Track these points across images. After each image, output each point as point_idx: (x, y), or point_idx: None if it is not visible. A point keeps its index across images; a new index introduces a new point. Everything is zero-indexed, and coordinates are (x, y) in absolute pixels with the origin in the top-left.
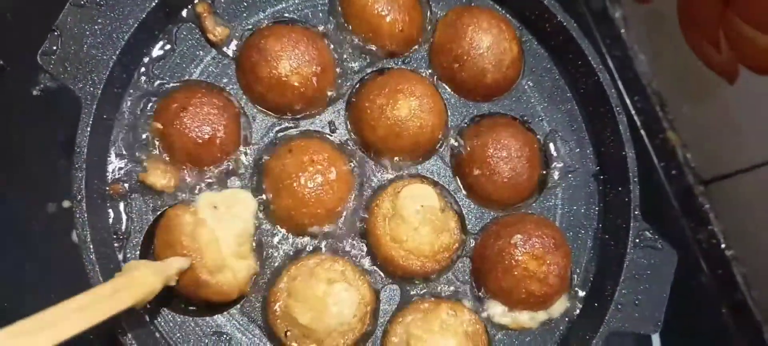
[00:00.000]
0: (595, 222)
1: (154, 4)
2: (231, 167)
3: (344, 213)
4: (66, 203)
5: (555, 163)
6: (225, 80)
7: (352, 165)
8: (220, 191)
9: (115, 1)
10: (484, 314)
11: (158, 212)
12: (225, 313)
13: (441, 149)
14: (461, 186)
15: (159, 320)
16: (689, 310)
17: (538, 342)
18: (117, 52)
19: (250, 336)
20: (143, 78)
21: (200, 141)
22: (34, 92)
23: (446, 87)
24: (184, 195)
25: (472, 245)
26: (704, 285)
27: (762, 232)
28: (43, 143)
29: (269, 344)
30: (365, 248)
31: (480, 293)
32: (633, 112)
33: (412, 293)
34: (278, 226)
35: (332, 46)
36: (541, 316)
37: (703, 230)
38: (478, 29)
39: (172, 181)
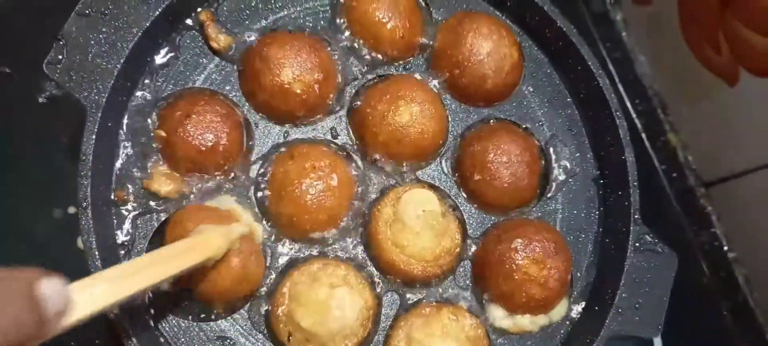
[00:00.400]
0: (596, 226)
1: (157, 12)
2: (234, 174)
3: (346, 219)
4: (71, 209)
5: (555, 167)
6: (228, 88)
7: (354, 171)
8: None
9: (119, 10)
10: (485, 318)
11: (162, 218)
12: (229, 318)
13: (442, 154)
14: (462, 191)
15: (163, 324)
16: (691, 312)
17: None
18: (121, 61)
19: (254, 341)
20: (147, 86)
21: (203, 148)
22: (40, 99)
23: (447, 93)
24: (187, 202)
25: (473, 249)
26: (706, 287)
27: (764, 234)
28: (49, 150)
29: None
30: (367, 253)
31: (481, 298)
32: (634, 114)
33: (413, 297)
34: (280, 232)
35: (334, 53)
36: (542, 320)
37: (704, 232)
38: (479, 35)
39: (175, 188)
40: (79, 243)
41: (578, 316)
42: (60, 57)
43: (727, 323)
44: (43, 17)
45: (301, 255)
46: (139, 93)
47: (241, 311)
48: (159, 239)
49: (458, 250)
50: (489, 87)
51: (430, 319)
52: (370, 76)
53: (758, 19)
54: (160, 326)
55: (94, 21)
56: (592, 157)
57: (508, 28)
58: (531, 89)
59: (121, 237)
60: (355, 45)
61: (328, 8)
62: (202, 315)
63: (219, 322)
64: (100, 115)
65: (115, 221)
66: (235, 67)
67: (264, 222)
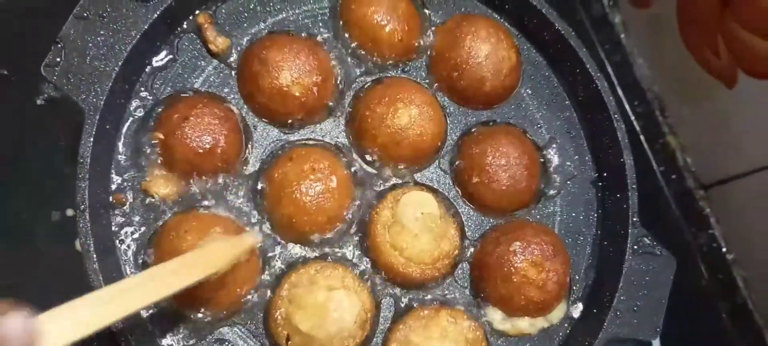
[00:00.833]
0: (594, 229)
1: (156, 15)
2: (232, 177)
3: (345, 221)
4: (70, 212)
5: (554, 170)
6: (226, 90)
7: (353, 173)
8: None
9: (118, 13)
10: (484, 321)
11: (160, 221)
12: (227, 321)
13: (441, 157)
14: (460, 193)
15: (161, 328)
16: (690, 314)
17: None
18: (119, 64)
19: (252, 345)
20: (145, 88)
21: (201, 151)
22: (38, 102)
23: (445, 95)
24: (185, 204)
25: (472, 252)
26: (705, 289)
27: (762, 236)
28: (47, 152)
29: None
30: (365, 256)
31: (479, 300)
32: (632, 117)
33: (411, 300)
34: (279, 234)
35: (332, 55)
36: (541, 322)
37: (703, 233)
38: (477, 38)
39: (173, 190)
40: (77, 245)
41: (576, 319)
42: (58, 59)
43: (725, 325)
44: (41, 19)
45: (300, 257)
46: (137, 96)
47: (240, 314)
48: (156, 241)
49: (457, 252)
50: (487, 89)
51: (429, 322)
52: (368, 79)
53: (757, 21)
54: (157, 330)
55: (92, 24)
56: (590, 159)
57: (507, 31)
58: (529, 92)
59: (119, 240)
60: (354, 48)
61: (326, 11)
62: (201, 319)
63: (217, 323)
64: (98, 117)
65: (113, 223)
66: (234, 69)
67: (264, 224)
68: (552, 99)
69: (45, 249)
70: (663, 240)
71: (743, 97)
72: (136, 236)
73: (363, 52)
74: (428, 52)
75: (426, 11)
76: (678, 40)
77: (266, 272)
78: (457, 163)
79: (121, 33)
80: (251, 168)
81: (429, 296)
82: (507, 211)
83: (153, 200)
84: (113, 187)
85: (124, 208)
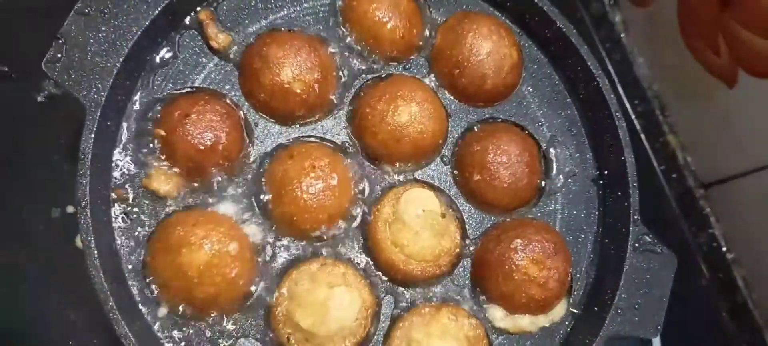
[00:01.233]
0: (595, 227)
1: (157, 12)
2: (233, 173)
3: (345, 218)
4: (70, 209)
5: (555, 168)
6: (227, 87)
7: (354, 170)
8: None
9: (119, 9)
10: (485, 319)
11: (161, 217)
12: (228, 319)
13: (442, 154)
14: (461, 191)
15: (163, 327)
16: (690, 313)
17: None
18: (121, 60)
19: (253, 342)
20: (146, 85)
21: (203, 147)
22: (39, 99)
23: (447, 93)
24: (186, 201)
25: (473, 249)
26: (705, 288)
27: (762, 235)
28: (48, 149)
29: None
30: (366, 253)
31: (480, 298)
32: (633, 115)
33: (412, 297)
34: (280, 231)
35: (333, 52)
36: (542, 320)
37: (703, 233)
38: (478, 35)
39: (174, 187)
40: (78, 242)
41: (578, 316)
42: (59, 56)
43: (725, 324)
44: (42, 16)
45: (301, 254)
46: (138, 92)
47: (241, 312)
48: (158, 237)
49: (458, 250)
50: (489, 87)
51: (430, 319)
52: (369, 76)
53: (757, 20)
54: (158, 329)
55: (93, 20)
56: (591, 157)
57: (508, 29)
58: (531, 89)
59: (119, 236)
60: (355, 45)
61: (328, 8)
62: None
63: (218, 321)
64: (99, 114)
65: (114, 219)
66: (235, 66)
67: (265, 221)
68: (553, 97)
69: (45, 246)
70: (663, 239)
71: (743, 97)
72: (136, 232)
73: (364, 49)
74: (429, 50)
75: (427, 8)
76: (678, 40)
77: (267, 270)
78: (458, 160)
79: (122, 29)
80: (252, 165)
81: (430, 294)
82: (508, 208)
83: (154, 196)
84: (114, 183)
85: (125, 204)
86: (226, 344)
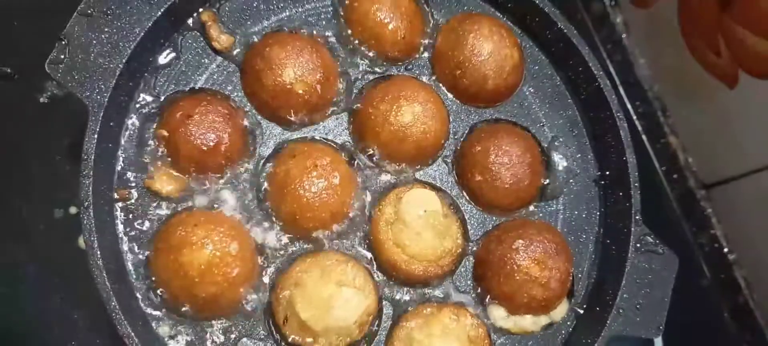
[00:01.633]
0: (597, 227)
1: (159, 13)
2: (236, 174)
3: (347, 218)
4: (73, 209)
5: (556, 168)
6: (230, 88)
7: (356, 170)
8: None
9: (122, 10)
10: (486, 319)
11: (164, 218)
12: (231, 318)
13: (444, 154)
14: (463, 191)
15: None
16: (691, 313)
17: None
18: (123, 61)
19: (256, 342)
20: (149, 86)
21: (205, 148)
22: (41, 99)
23: (448, 93)
24: (189, 201)
25: (474, 249)
26: (706, 289)
27: (763, 235)
28: (50, 149)
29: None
30: (368, 253)
31: (482, 298)
32: (634, 116)
33: (414, 297)
34: (282, 230)
35: (335, 53)
36: (543, 320)
37: (704, 233)
38: (480, 36)
39: (176, 187)
40: (80, 243)
41: (579, 316)
42: (62, 57)
43: (727, 324)
44: (44, 17)
45: (302, 254)
46: (140, 93)
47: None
48: (161, 237)
49: (460, 250)
50: (490, 88)
51: (431, 319)
52: (371, 77)
53: (758, 21)
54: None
55: (96, 21)
56: (593, 157)
57: (509, 29)
58: (532, 90)
59: (122, 236)
60: (357, 45)
61: (329, 9)
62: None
63: (221, 321)
64: (102, 114)
65: (117, 220)
66: (237, 67)
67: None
68: (554, 97)
69: (47, 246)
70: (664, 240)
71: (744, 98)
72: (139, 232)
73: (366, 50)
74: (431, 50)
75: (429, 9)
76: (679, 40)
77: (268, 269)
78: (459, 161)
79: (125, 30)
80: (255, 165)
81: (432, 294)
82: (509, 209)
83: (157, 197)
84: (117, 184)
85: (128, 204)
86: (228, 343)
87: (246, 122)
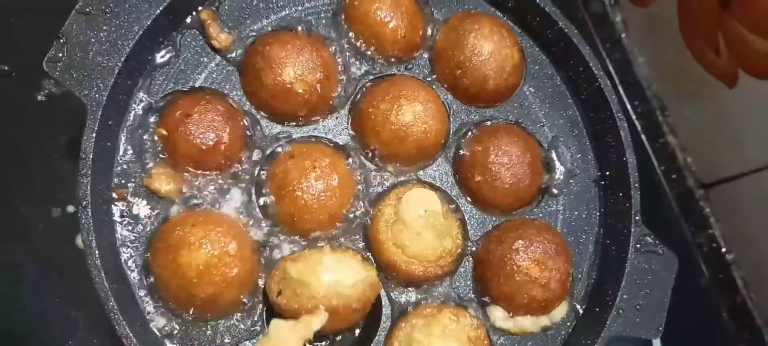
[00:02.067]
0: (597, 227)
1: (158, 11)
2: (235, 173)
3: (347, 218)
4: (70, 208)
5: (556, 168)
6: (229, 87)
7: (355, 170)
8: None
9: (120, 9)
10: (486, 319)
11: (162, 218)
12: (230, 318)
13: (444, 155)
14: (463, 192)
15: (164, 327)
16: (690, 313)
17: None
18: (122, 59)
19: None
20: (148, 84)
21: (204, 147)
22: (39, 97)
23: (448, 93)
24: (187, 200)
25: (474, 250)
26: (704, 288)
27: (762, 235)
28: (48, 148)
29: None
30: (368, 253)
31: (482, 298)
32: (633, 116)
33: (414, 298)
34: (281, 231)
35: (335, 52)
36: (543, 321)
37: (703, 233)
38: (480, 36)
39: (175, 186)
40: (78, 242)
41: (579, 317)
42: (60, 55)
43: (725, 324)
44: (42, 15)
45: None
46: (139, 91)
47: (241, 312)
48: (160, 237)
49: (459, 250)
50: (490, 87)
51: (431, 319)
52: (371, 76)
53: (757, 21)
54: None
55: (94, 19)
56: (593, 158)
57: (510, 29)
58: (532, 90)
59: (121, 236)
60: (357, 44)
61: (329, 8)
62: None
63: (219, 321)
64: (100, 113)
65: (115, 219)
66: (236, 66)
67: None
68: (555, 97)
69: (45, 245)
70: (663, 239)
71: (743, 97)
72: (137, 232)
73: (366, 49)
74: (431, 50)
75: (429, 8)
76: (678, 40)
77: (268, 270)
78: (459, 161)
79: (123, 28)
80: (254, 165)
81: (431, 294)
82: (509, 209)
83: (155, 196)
84: (115, 183)
85: (126, 203)
86: (226, 343)
87: (245, 121)
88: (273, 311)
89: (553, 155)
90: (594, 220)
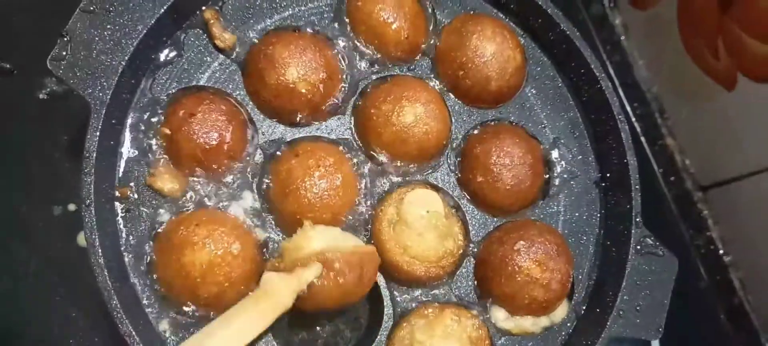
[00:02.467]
0: (597, 229)
1: (162, 10)
2: (238, 172)
3: (349, 218)
4: (71, 207)
5: (557, 170)
6: (232, 86)
7: (358, 170)
8: None
9: (124, 7)
10: (488, 320)
11: (166, 217)
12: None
13: (445, 155)
14: (464, 192)
15: (167, 326)
16: (688, 314)
17: None
18: (126, 58)
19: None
20: (151, 83)
21: (208, 147)
22: (41, 96)
23: (451, 94)
24: (190, 199)
25: (476, 250)
26: (702, 290)
27: (759, 237)
28: (49, 146)
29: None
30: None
31: (483, 299)
32: (632, 118)
33: (416, 298)
34: (284, 230)
35: (338, 52)
36: (544, 321)
37: (701, 235)
38: (482, 37)
39: (178, 185)
40: (79, 240)
41: (579, 318)
42: (64, 53)
43: (723, 326)
44: (43, 13)
45: None
46: (143, 90)
47: None
48: (163, 236)
49: (461, 251)
50: (493, 89)
51: (433, 320)
52: (374, 77)
53: (757, 24)
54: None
55: (98, 18)
56: (593, 159)
57: (512, 31)
58: (534, 91)
59: (124, 234)
60: (360, 45)
61: (332, 8)
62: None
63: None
64: (104, 112)
65: (118, 218)
66: (240, 65)
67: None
68: (556, 99)
69: (46, 243)
70: (662, 241)
71: (742, 100)
72: (140, 230)
73: (369, 50)
74: (434, 51)
75: (432, 10)
76: (678, 42)
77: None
78: (461, 162)
79: (127, 27)
80: (257, 164)
81: (433, 295)
82: (511, 210)
83: (159, 195)
84: (118, 182)
85: (129, 202)
86: None
87: (248, 121)
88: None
89: (554, 157)
90: (595, 221)
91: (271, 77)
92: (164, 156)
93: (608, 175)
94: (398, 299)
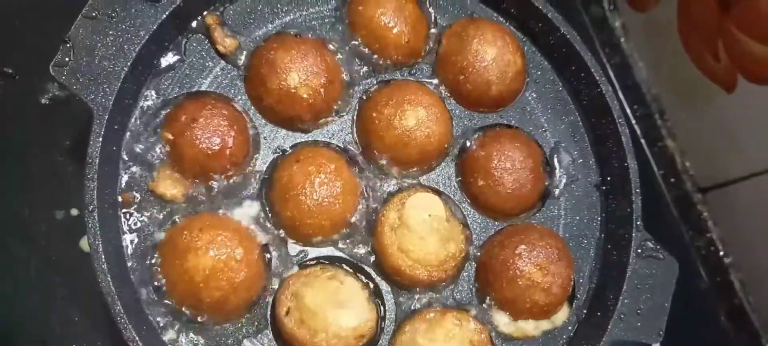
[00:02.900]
0: (598, 232)
1: (164, 16)
2: (240, 178)
3: (350, 223)
4: (74, 211)
5: (558, 173)
6: (234, 91)
7: (359, 175)
8: None
9: (127, 13)
10: (489, 324)
11: (168, 222)
12: (236, 322)
13: (447, 159)
14: (466, 196)
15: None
16: (688, 316)
17: None
18: (128, 64)
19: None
20: (153, 89)
21: (210, 152)
22: (43, 100)
23: (451, 98)
24: (193, 205)
25: (477, 254)
26: (703, 291)
27: (760, 239)
28: (51, 151)
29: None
30: (372, 258)
31: (485, 303)
32: (632, 119)
33: (418, 302)
34: (286, 235)
35: (339, 57)
36: (545, 325)
37: (701, 237)
38: (483, 41)
39: (181, 191)
40: (82, 245)
41: (580, 321)
42: (67, 59)
43: (724, 327)
44: (45, 18)
45: (304, 260)
46: (145, 96)
47: (248, 317)
48: (166, 241)
49: (463, 255)
50: (493, 93)
51: (435, 324)
52: (375, 81)
53: (757, 26)
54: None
55: (101, 23)
56: (594, 163)
57: (512, 35)
58: (534, 96)
59: (127, 240)
60: (361, 49)
61: (334, 13)
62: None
63: (225, 326)
64: (107, 117)
65: (121, 223)
66: (241, 70)
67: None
68: (557, 103)
69: (48, 248)
70: (662, 243)
71: (742, 102)
72: (143, 236)
73: (370, 54)
74: (435, 55)
75: (433, 14)
76: (678, 44)
77: (274, 274)
78: (462, 165)
79: (129, 33)
80: (259, 169)
81: (435, 298)
82: (512, 214)
83: (161, 200)
84: (121, 187)
85: (132, 208)
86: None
87: (250, 126)
88: (276, 319)
89: (555, 160)
90: (595, 225)
91: (272, 82)
92: (167, 161)
93: (609, 178)
94: (400, 302)
